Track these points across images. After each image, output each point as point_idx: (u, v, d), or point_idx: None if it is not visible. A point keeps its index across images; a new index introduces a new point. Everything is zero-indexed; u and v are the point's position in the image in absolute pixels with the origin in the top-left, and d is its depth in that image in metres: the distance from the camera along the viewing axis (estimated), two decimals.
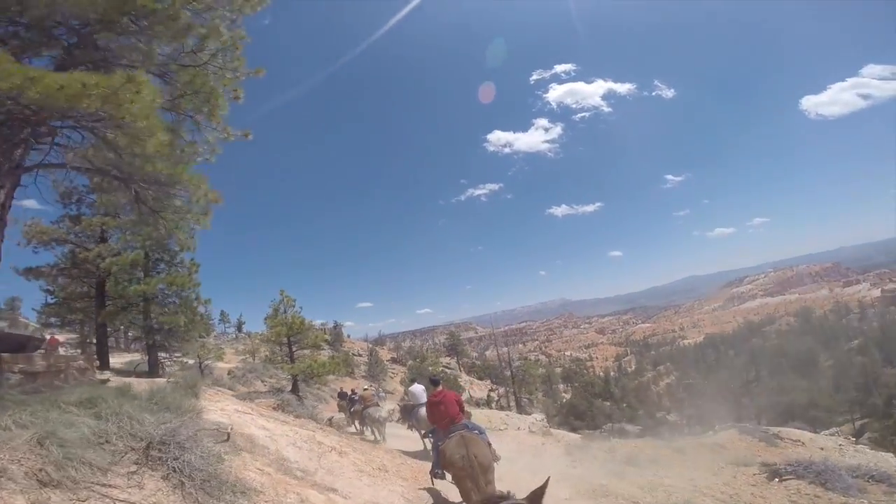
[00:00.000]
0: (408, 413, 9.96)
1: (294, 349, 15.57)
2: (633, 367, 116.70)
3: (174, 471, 3.70)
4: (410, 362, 46.52)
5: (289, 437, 6.63)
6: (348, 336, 56.63)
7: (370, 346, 52.87)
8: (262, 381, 22.40)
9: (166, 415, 4.53)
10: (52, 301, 14.54)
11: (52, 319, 17.00)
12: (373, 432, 11.42)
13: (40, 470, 3.06)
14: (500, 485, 6.20)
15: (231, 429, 6.19)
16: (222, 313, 52.97)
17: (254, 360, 22.66)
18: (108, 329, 14.57)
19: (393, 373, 44.23)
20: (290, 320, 14.79)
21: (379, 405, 12.08)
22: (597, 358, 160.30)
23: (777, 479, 7.37)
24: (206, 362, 20.49)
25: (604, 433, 34.79)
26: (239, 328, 55.91)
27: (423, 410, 8.92)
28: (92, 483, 3.25)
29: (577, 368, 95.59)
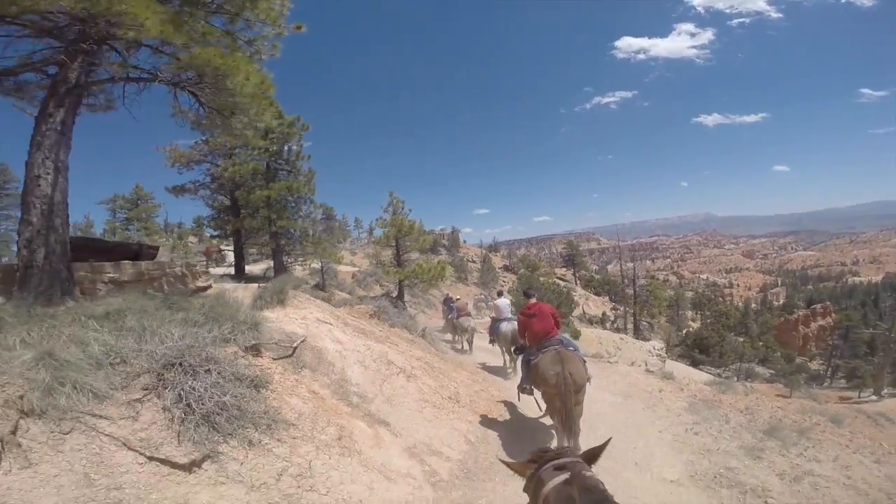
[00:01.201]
0: (492, 328, 9.73)
1: (401, 253, 15.54)
2: (782, 301, 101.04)
3: (179, 399, 3.25)
4: (522, 271, 45.94)
5: (359, 353, 6.23)
6: (464, 242, 57.48)
7: (484, 252, 53.15)
8: (381, 286, 23.62)
9: (199, 330, 4.07)
10: (206, 215, 16.61)
11: (210, 231, 19.95)
12: (462, 344, 11.59)
13: (21, 397, 2.72)
14: (596, 438, 5.21)
15: (302, 341, 5.94)
16: (356, 220, 57.58)
17: (375, 264, 23.93)
18: (244, 237, 16.10)
19: (504, 280, 44.24)
20: (399, 222, 14.54)
21: (471, 315, 12.13)
22: (738, 285, 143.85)
23: None
24: (329, 266, 22.10)
25: (739, 380, 30.89)
26: (371, 233, 60.56)
27: (504, 325, 8.89)
28: (82, 413, 2.90)
29: (713, 295, 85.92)
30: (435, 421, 5.46)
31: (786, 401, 9.08)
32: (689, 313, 57.59)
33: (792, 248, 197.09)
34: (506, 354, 9.23)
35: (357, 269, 27.72)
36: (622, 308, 41.19)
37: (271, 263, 18.84)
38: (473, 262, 47.10)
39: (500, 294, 11.32)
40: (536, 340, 5.35)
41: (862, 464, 5.84)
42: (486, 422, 6.00)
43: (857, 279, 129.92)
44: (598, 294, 49.98)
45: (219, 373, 3.65)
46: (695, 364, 28.55)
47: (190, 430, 3.13)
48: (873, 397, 19.01)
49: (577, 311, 34.39)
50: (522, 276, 40.05)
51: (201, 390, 3.36)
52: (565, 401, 4.52)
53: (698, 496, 4.48)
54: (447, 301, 15.61)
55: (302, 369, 5.46)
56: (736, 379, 32.09)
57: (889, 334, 24.24)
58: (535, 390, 5.33)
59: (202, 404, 3.30)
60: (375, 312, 9.84)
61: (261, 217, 14.52)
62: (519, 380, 6.02)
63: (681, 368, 27.48)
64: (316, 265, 18.81)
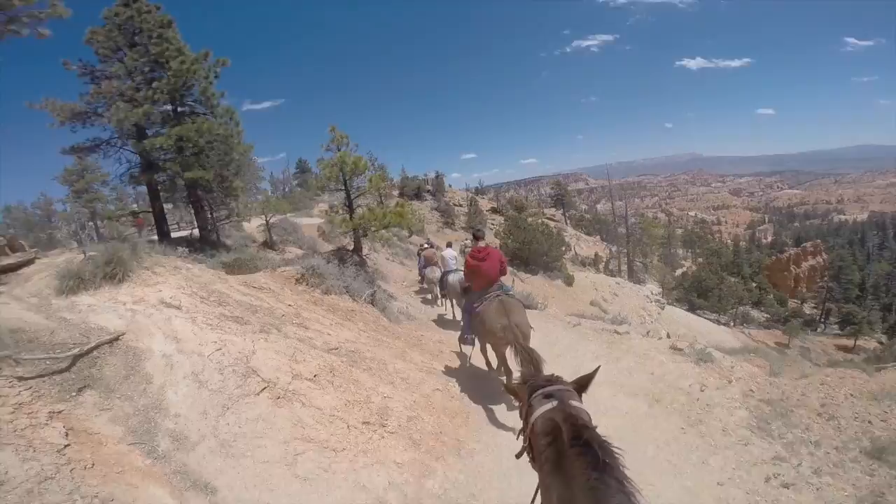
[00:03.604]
0: (442, 281, 9.16)
1: (352, 198, 12.68)
2: (770, 238, 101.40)
3: None
4: (510, 212, 43.49)
5: (201, 358, 3.70)
6: (450, 186, 54.44)
7: (471, 195, 50.27)
8: (330, 241, 20.97)
9: None
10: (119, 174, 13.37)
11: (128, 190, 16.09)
12: (433, 296, 10.95)
13: None
14: None
15: (110, 341, 3.38)
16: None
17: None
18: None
19: (493, 224, 41.83)
20: (342, 159, 11.58)
21: (438, 264, 10.67)
22: (726, 222, 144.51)
23: None
24: (286, 220, 19.26)
25: (737, 325, 29.48)
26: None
27: (452, 277, 8.29)
28: None
29: (702, 232, 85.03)
30: (320, 479, 3.00)
31: (848, 375, 6.86)
32: (681, 252, 56.37)
33: (778, 187, 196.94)
34: (456, 308, 8.61)
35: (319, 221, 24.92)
36: (615, 248, 39.18)
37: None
38: (460, 205, 44.60)
39: (448, 245, 10.37)
40: (481, 285, 5.03)
41: None
42: (440, 451, 3.62)
43: (842, 217, 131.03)
44: (588, 234, 47.94)
45: None
46: (692, 308, 27.05)
47: None
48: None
49: (569, 254, 32.18)
50: (510, 217, 37.54)
51: None
52: (515, 349, 3.90)
53: None
54: (421, 250, 13.82)
55: (83, 391, 2.98)
56: (732, 324, 31.07)
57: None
58: (476, 340, 5.20)
59: None
60: (303, 276, 7.25)
61: (171, 169, 11.50)
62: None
63: (681, 315, 25.89)
64: (256, 222, 16.11)
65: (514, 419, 4.50)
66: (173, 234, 13.90)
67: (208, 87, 11.45)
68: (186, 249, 8.54)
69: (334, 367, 4.22)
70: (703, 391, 4.64)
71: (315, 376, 3.97)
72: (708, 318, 26.99)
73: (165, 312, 4.22)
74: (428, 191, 45.71)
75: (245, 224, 17.29)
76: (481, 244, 5.36)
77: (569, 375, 1.69)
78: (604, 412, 4.23)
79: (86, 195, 27.08)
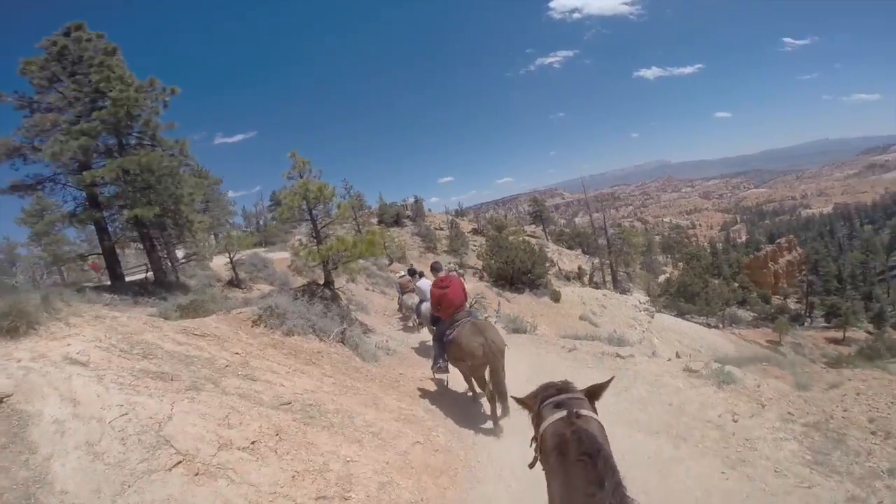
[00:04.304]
0: (416, 310, 9.12)
1: (318, 228, 11.87)
2: (744, 237, 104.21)
3: None
4: (491, 232, 43.09)
5: (100, 425, 2.83)
6: (429, 210, 54.03)
7: (451, 218, 49.82)
8: (303, 275, 20.05)
9: None
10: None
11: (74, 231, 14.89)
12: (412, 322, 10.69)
13: None
14: None
15: (2, 400, 2.49)
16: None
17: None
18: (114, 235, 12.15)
19: (475, 245, 41.31)
20: (305, 186, 10.79)
21: (414, 291, 10.15)
22: (700, 225, 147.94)
23: None
24: (256, 256, 18.30)
25: (726, 326, 29.37)
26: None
27: (425, 306, 8.19)
28: None
29: (679, 237, 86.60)
30: None
31: (870, 377, 6.25)
32: (661, 258, 56.72)
33: (744, 187, 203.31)
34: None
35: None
36: (597, 260, 38.98)
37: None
38: (441, 229, 44.05)
39: (420, 275, 10.06)
40: (450, 313, 5.11)
41: None
42: None
43: (809, 211, 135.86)
44: (570, 248, 47.80)
45: None
46: (681, 314, 26.70)
47: None
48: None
49: (553, 270, 31.65)
50: (491, 237, 37.06)
51: None
52: (495, 368, 4.45)
53: None
54: (399, 278, 13.26)
55: None
56: (721, 326, 30.92)
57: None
58: (452, 366, 5.18)
59: None
60: (260, 317, 6.33)
61: (114, 205, 10.62)
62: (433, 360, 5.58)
63: (671, 322, 25.42)
64: (218, 261, 15.19)
65: (510, 469, 3.68)
66: (129, 278, 12.78)
67: (152, 117, 10.64)
68: (125, 295, 7.55)
69: (282, 429, 3.33)
70: (736, 421, 3.88)
71: (253, 443, 3.08)
72: (697, 322, 26.66)
73: (67, 370, 3.33)
74: (408, 216, 45.31)
75: (212, 262, 16.26)
76: (441, 274, 5.57)
77: None
78: (621, 457, 3.44)
79: (45, 238, 25.31)
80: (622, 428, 3.90)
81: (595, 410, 1.52)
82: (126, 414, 2.92)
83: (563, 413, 1.43)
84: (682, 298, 26.85)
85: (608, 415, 3.61)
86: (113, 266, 12.01)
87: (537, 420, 1.56)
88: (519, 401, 1.80)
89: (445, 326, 5.09)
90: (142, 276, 13.06)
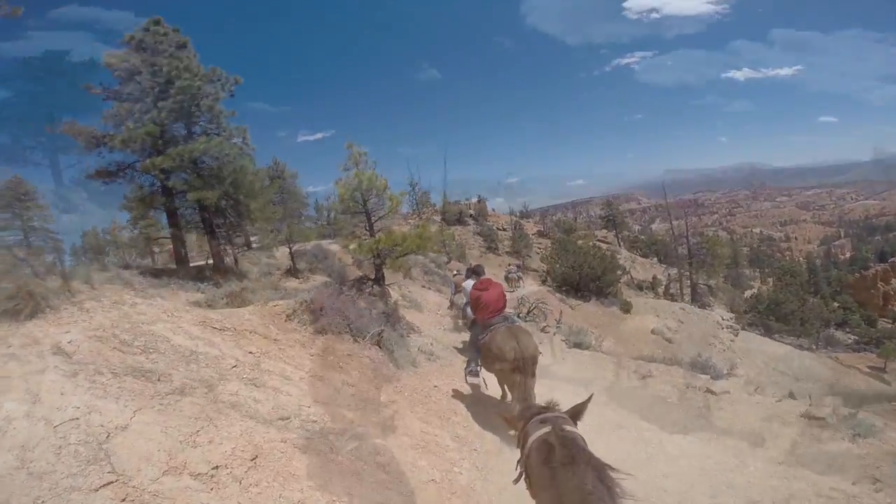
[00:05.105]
0: (463, 311, 8.50)
1: (372, 221, 11.59)
2: (849, 254, 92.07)
3: None
4: (558, 235, 41.29)
5: (50, 429, 2.47)
6: (493, 210, 53.18)
7: (514, 219, 48.49)
8: (362, 269, 20.03)
9: None
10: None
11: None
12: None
13: None
14: None
15: None
16: None
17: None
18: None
19: (539, 247, 39.78)
20: (359, 178, 10.49)
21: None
22: (796, 238, 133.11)
23: None
24: (318, 246, 18.60)
25: (819, 349, 25.68)
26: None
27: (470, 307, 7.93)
28: None
29: (769, 250, 78.43)
30: None
31: None
32: (747, 271, 51.35)
33: (851, 198, 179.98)
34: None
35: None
36: (675, 270, 35.81)
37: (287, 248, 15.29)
38: (504, 230, 43.04)
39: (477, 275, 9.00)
40: (485, 316, 4.98)
41: None
42: None
43: None
44: (644, 256, 44.59)
45: None
46: (768, 332, 23.60)
47: None
48: None
49: (625, 278, 29.44)
50: (558, 240, 35.37)
51: None
52: (525, 374, 4.34)
53: None
54: (453, 277, 12.97)
55: None
56: (815, 348, 27.07)
57: None
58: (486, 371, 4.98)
59: None
60: (294, 312, 5.89)
61: (179, 189, 10.99)
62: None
63: (757, 341, 22.55)
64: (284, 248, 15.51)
65: None
66: (193, 263, 13.30)
67: (214, 104, 10.88)
68: (182, 280, 7.52)
69: (262, 452, 2.74)
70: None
71: (215, 468, 2.52)
72: (787, 343, 23.50)
73: (47, 361, 3.00)
74: (470, 215, 44.90)
75: (277, 252, 16.70)
76: (483, 278, 5.55)
77: None
78: None
79: (142, 222, 27.76)
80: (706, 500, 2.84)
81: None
82: (77, 419, 2.48)
83: (549, 428, 1.48)
84: (772, 317, 23.67)
85: (699, 478, 2.60)
86: (179, 250, 12.47)
87: (524, 438, 1.59)
88: (503, 416, 1.82)
89: (479, 331, 5.08)
90: (203, 262, 13.56)
